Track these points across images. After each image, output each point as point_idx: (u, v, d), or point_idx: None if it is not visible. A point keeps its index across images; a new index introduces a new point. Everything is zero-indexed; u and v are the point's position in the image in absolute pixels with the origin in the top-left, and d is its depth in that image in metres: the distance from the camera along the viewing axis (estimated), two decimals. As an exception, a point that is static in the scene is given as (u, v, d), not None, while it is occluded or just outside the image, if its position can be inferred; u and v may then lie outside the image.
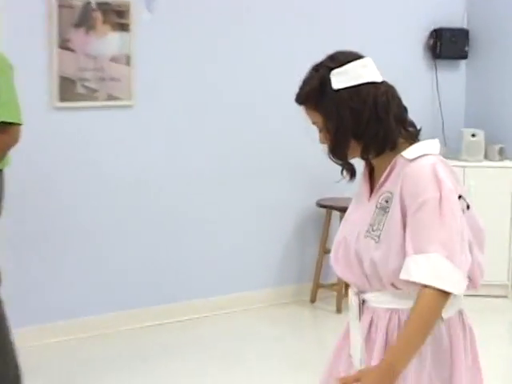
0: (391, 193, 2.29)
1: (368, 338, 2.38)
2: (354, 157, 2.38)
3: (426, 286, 2.16)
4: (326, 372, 2.55)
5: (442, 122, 6.69)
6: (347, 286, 2.73)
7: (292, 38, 5.91)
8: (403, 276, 2.20)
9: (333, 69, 2.32)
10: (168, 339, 5.40)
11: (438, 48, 6.60)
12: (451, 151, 6.26)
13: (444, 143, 6.24)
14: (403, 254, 2.23)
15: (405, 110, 2.38)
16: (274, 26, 5.87)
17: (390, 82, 2.41)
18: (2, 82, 3.87)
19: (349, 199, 2.66)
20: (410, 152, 2.31)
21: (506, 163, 6.45)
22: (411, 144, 2.34)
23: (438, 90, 6.73)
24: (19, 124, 3.95)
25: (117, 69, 5.24)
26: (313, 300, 6.21)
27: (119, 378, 4.78)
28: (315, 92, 2.33)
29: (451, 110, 6.77)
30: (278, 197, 6.02)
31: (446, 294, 2.16)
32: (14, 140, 3.94)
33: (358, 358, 2.39)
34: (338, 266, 2.42)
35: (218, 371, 4.90)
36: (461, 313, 2.39)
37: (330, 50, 2.42)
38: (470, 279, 2.31)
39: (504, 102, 6.62)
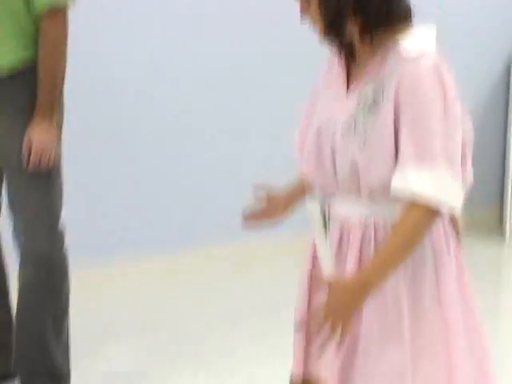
0: (382, 91, 2.05)
1: (339, 255, 2.18)
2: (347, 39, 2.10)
3: (414, 203, 2.00)
4: (302, 306, 2.30)
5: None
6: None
7: None
8: (398, 184, 2.01)
9: None
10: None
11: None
12: None
13: None
14: (391, 163, 2.04)
15: None
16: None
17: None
18: None
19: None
20: (407, 47, 2.04)
21: None
22: (404, 30, 2.07)
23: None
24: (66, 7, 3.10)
25: None
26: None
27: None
28: None
29: None
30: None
31: (436, 213, 2.03)
32: (67, 28, 3.11)
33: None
34: (305, 162, 2.22)
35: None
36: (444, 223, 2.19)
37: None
38: None
39: None
